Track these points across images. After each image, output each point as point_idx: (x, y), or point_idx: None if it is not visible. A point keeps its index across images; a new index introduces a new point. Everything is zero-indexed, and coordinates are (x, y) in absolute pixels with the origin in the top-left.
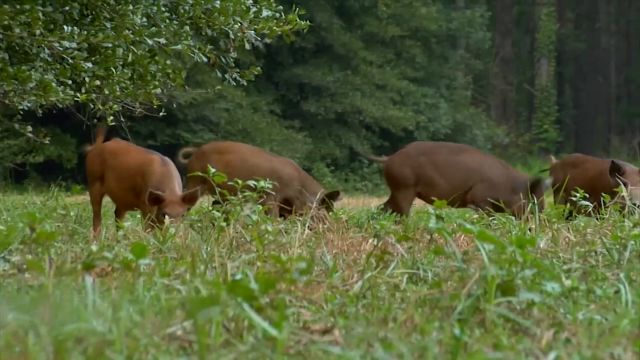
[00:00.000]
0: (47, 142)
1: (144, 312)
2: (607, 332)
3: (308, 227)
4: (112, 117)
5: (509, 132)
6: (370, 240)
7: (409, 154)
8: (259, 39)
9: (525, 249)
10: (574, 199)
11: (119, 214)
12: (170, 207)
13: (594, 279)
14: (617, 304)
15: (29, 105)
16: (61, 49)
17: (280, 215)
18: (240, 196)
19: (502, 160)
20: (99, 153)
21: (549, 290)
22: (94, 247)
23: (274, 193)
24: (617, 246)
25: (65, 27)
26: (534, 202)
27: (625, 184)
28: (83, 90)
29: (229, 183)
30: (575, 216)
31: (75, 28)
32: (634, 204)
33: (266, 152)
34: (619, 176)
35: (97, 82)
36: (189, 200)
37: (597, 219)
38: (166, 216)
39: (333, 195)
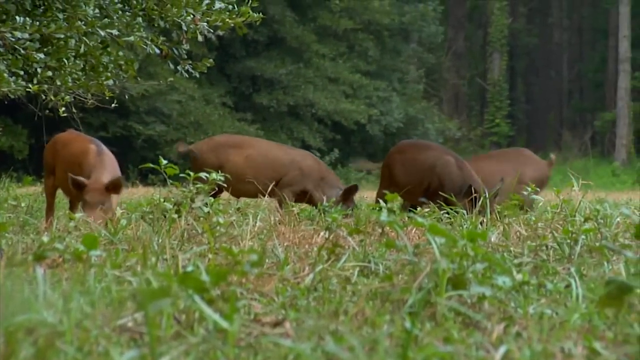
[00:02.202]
0: None
1: (95, 303)
2: (557, 326)
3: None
4: (63, 109)
5: (461, 126)
6: (322, 233)
7: (390, 152)
8: (212, 31)
9: (477, 242)
10: (525, 193)
11: (72, 206)
12: (90, 194)
13: (545, 273)
14: (568, 298)
15: None
16: (13, 39)
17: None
18: (192, 188)
19: (460, 158)
20: (52, 145)
21: (500, 284)
22: (45, 238)
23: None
24: (568, 240)
25: (17, 17)
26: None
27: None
28: (35, 81)
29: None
30: (527, 210)
31: (27, 19)
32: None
33: (284, 145)
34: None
35: (49, 73)
36: (112, 188)
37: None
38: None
39: (352, 190)
